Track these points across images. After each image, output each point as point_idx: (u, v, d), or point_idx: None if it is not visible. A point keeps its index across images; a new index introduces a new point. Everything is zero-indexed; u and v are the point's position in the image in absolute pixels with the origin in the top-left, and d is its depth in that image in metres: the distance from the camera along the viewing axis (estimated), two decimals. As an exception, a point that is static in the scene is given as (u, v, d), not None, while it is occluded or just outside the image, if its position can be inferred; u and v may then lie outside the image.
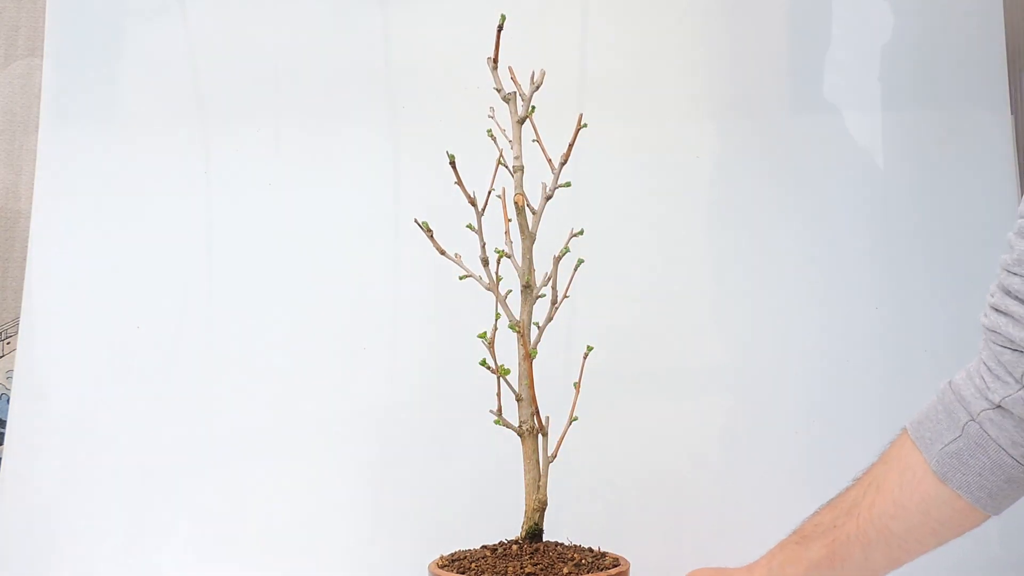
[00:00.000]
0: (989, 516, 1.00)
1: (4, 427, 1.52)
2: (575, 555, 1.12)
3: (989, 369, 0.97)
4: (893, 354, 1.47)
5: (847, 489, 1.08)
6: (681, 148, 1.51)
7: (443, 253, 1.14)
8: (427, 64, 1.52)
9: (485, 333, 1.13)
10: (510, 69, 1.13)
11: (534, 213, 1.14)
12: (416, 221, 1.14)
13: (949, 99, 1.53)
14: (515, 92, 1.14)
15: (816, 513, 1.10)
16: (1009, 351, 0.94)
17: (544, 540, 1.14)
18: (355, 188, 1.51)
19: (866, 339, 1.47)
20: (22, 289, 1.50)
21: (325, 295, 1.48)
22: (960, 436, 0.97)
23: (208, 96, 1.53)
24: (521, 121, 1.14)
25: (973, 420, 0.97)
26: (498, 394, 1.12)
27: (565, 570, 1.07)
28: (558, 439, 1.14)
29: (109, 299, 1.48)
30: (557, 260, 1.16)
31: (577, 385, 1.16)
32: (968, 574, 1.41)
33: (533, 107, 1.14)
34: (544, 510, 1.13)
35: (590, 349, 1.17)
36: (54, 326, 1.48)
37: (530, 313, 1.13)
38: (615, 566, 1.11)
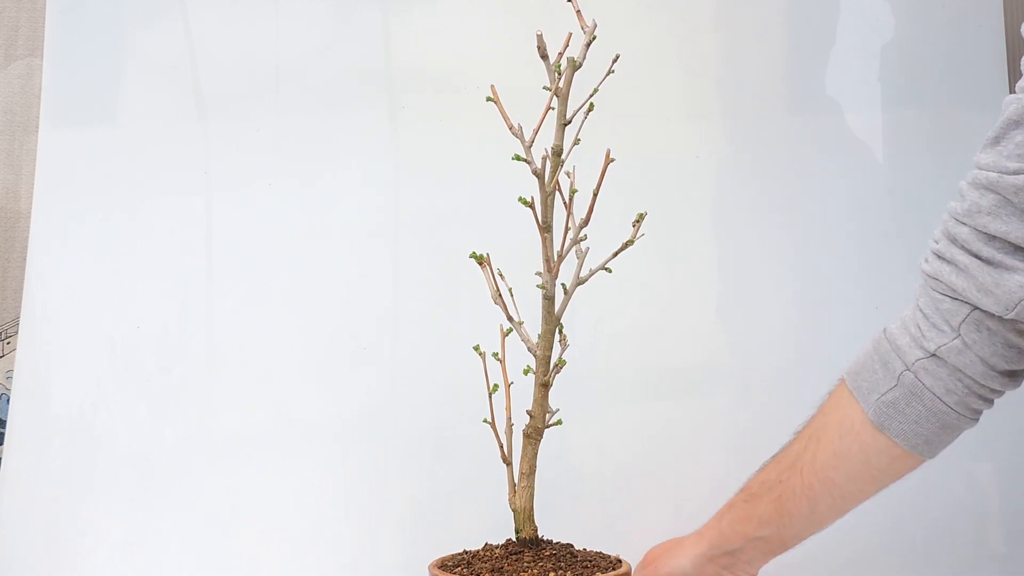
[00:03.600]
0: (925, 460, 1.02)
1: (4, 427, 1.52)
2: (574, 555, 1.12)
3: (926, 316, 0.97)
4: (893, 354, 1.47)
5: (789, 443, 1.10)
6: (681, 148, 1.51)
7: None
8: (427, 64, 1.52)
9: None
10: (540, 37, 1.10)
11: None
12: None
13: (949, 99, 1.53)
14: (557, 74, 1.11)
15: (761, 470, 1.12)
16: (949, 299, 0.95)
17: (544, 540, 1.14)
18: (355, 188, 1.51)
19: (866, 340, 1.47)
20: (22, 289, 1.50)
21: (325, 295, 1.48)
22: (896, 386, 0.99)
23: (208, 96, 1.53)
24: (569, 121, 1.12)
25: (908, 370, 0.98)
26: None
27: (564, 571, 1.07)
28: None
29: (109, 299, 1.48)
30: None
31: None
32: (969, 573, 1.42)
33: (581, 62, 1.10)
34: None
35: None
36: (54, 326, 1.48)
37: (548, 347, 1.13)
38: (616, 567, 1.11)
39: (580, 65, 1.09)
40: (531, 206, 1.10)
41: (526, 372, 1.13)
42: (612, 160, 1.13)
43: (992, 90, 1.53)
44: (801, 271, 1.49)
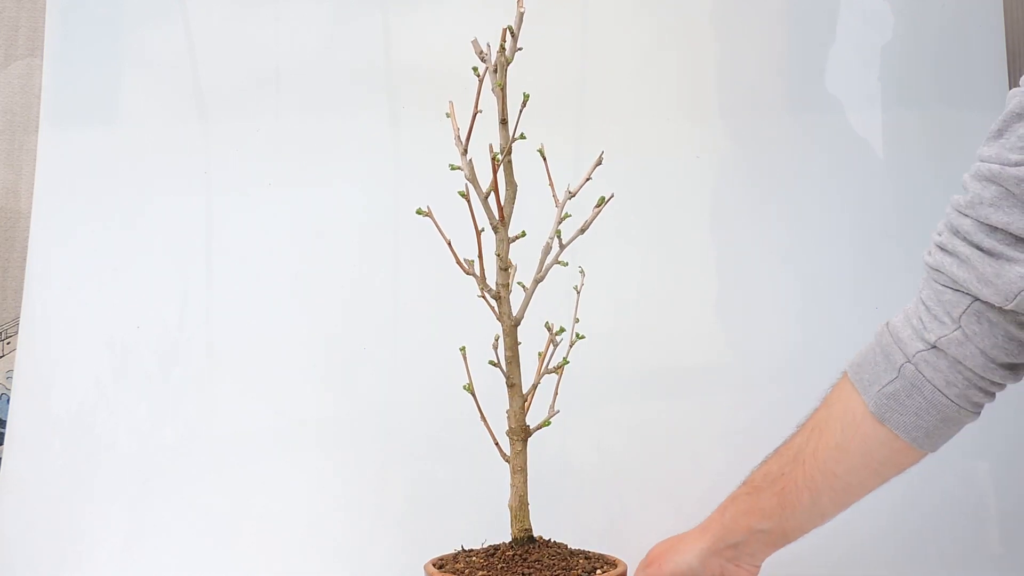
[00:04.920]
0: (927, 453, 1.02)
1: (4, 427, 1.52)
2: (571, 556, 1.12)
3: (928, 308, 0.98)
4: (893, 354, 1.47)
5: (792, 436, 1.10)
6: (681, 148, 1.51)
7: (462, 266, 1.14)
8: (427, 64, 1.52)
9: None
10: (488, 45, 1.11)
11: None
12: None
13: (949, 99, 1.53)
14: (487, 68, 1.11)
15: (764, 463, 1.12)
16: (951, 291, 0.96)
17: (541, 540, 1.14)
18: (355, 188, 1.51)
19: (866, 339, 1.47)
20: (22, 289, 1.50)
21: (325, 295, 1.48)
22: (897, 378, 0.99)
23: (208, 96, 1.53)
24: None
25: (909, 362, 0.98)
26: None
27: (561, 571, 1.07)
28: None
29: (109, 299, 1.48)
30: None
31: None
32: (965, 572, 1.42)
33: (501, 83, 1.10)
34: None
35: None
36: (54, 326, 1.48)
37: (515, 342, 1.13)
38: (611, 567, 1.11)
39: (511, 60, 1.09)
40: (466, 197, 1.10)
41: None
42: (600, 163, 1.13)
43: (992, 90, 1.53)
44: (801, 271, 1.49)
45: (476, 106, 1.09)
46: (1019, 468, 1.46)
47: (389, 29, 1.54)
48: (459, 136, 1.11)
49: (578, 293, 1.17)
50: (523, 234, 1.12)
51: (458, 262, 1.11)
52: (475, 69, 1.09)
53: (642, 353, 1.47)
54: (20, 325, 1.50)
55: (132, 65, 1.53)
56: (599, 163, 1.13)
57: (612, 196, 1.12)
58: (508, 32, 1.08)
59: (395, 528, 1.42)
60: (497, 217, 1.11)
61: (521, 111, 1.10)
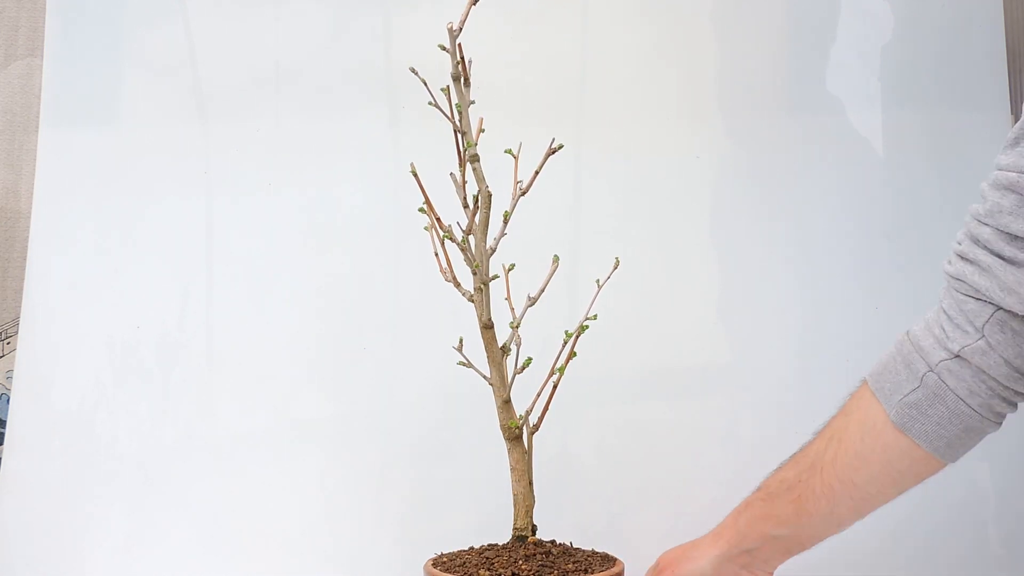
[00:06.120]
0: (947, 464, 1.01)
1: (4, 427, 1.52)
2: (569, 555, 1.12)
3: (949, 318, 0.97)
4: (893, 354, 1.47)
5: (809, 443, 1.09)
6: (681, 148, 1.51)
7: (444, 242, 1.14)
8: (427, 64, 1.52)
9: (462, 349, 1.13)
10: (459, 46, 1.12)
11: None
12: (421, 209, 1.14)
13: (949, 99, 1.53)
14: (459, 76, 1.12)
15: (779, 469, 1.11)
16: (972, 300, 0.95)
17: (540, 540, 1.14)
18: (355, 188, 1.51)
19: (866, 339, 1.47)
20: (22, 289, 1.50)
21: (325, 295, 1.48)
22: (919, 387, 0.98)
23: (208, 96, 1.53)
24: (467, 106, 1.12)
25: (931, 371, 0.98)
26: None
27: (559, 570, 1.07)
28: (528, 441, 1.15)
29: (109, 299, 1.48)
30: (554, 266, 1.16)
31: (553, 388, 1.16)
32: (969, 573, 1.42)
33: (472, 101, 1.12)
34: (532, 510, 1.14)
35: (562, 370, 1.16)
36: (54, 326, 1.48)
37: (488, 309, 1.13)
38: (610, 566, 1.11)
39: (459, 31, 1.10)
40: (428, 213, 1.11)
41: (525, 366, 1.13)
42: (555, 150, 1.13)
43: (992, 90, 1.53)
44: (801, 271, 1.49)
45: (452, 115, 1.10)
46: (1022, 471, 1.46)
47: (389, 29, 1.54)
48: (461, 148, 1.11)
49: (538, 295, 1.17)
50: (494, 247, 1.13)
51: (440, 269, 1.12)
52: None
53: (642, 353, 1.47)
54: (20, 325, 1.50)
55: (132, 65, 1.53)
56: (552, 151, 1.12)
57: (562, 146, 1.12)
58: (455, 51, 1.08)
59: (395, 528, 1.42)
60: (467, 227, 1.12)
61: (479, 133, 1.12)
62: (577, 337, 1.14)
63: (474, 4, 1.09)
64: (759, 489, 1.12)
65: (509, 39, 1.51)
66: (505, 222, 1.12)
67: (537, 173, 1.12)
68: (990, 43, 1.54)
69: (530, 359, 1.13)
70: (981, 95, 1.53)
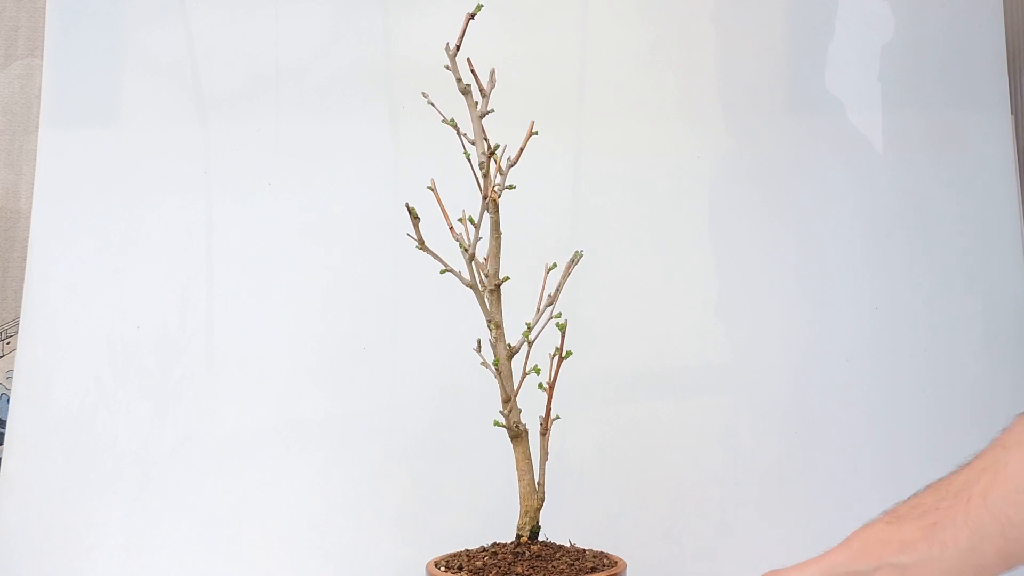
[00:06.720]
0: None
1: (4, 427, 1.52)
2: (571, 555, 1.12)
3: None
4: (893, 355, 1.47)
5: (951, 474, 0.98)
6: (681, 148, 1.51)
7: (422, 245, 1.14)
8: (427, 64, 1.52)
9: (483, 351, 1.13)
10: (468, 61, 1.12)
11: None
12: (406, 206, 1.14)
13: (949, 99, 1.53)
14: (471, 85, 1.12)
15: (914, 496, 0.99)
16: None
17: (541, 540, 1.14)
18: (355, 188, 1.51)
19: (866, 340, 1.47)
20: (22, 289, 1.50)
21: (325, 295, 1.49)
22: None
23: (208, 96, 1.53)
24: (482, 116, 1.13)
25: None
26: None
27: (561, 570, 1.08)
28: (540, 442, 1.14)
29: (109, 299, 1.48)
30: (548, 270, 1.16)
31: (551, 387, 1.15)
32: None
33: (491, 109, 1.12)
34: (540, 509, 1.14)
35: (568, 354, 1.15)
36: (54, 326, 1.48)
37: (500, 310, 1.13)
38: (611, 566, 1.11)
39: (456, 51, 1.10)
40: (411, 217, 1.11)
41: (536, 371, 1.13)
42: (535, 133, 1.12)
43: (992, 90, 1.53)
44: (801, 271, 1.49)
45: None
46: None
47: (389, 29, 1.54)
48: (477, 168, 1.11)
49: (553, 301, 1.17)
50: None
51: (448, 268, 1.13)
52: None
53: (642, 353, 1.47)
54: (20, 325, 1.50)
55: (132, 66, 1.54)
56: (533, 133, 1.12)
57: (537, 133, 1.11)
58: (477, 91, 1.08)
59: (395, 528, 1.43)
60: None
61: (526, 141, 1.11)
62: (563, 337, 1.13)
63: (471, 19, 1.09)
64: (884, 514, 1.01)
65: (509, 39, 1.51)
66: (494, 202, 1.12)
67: (522, 150, 1.12)
68: (990, 43, 1.54)
69: (537, 367, 1.13)
70: (981, 95, 1.53)
